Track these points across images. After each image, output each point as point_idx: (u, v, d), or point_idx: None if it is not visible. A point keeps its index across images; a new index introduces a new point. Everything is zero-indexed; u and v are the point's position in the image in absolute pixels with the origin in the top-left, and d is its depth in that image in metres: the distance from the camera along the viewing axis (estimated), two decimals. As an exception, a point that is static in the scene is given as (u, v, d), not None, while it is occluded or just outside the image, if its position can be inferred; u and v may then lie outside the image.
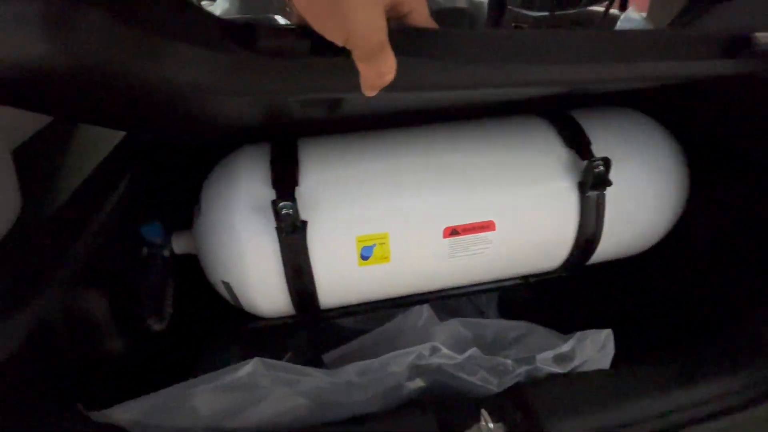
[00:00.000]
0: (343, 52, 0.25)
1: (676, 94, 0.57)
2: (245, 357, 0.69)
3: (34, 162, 0.42)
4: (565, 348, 0.48)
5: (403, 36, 0.28)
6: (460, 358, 0.47)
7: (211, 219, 0.47)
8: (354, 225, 0.47)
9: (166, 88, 0.26)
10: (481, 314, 0.77)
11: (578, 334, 0.49)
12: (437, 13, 1.15)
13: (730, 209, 0.58)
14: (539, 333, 0.53)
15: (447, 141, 0.51)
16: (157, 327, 0.52)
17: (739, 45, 0.32)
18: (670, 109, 0.58)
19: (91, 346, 0.45)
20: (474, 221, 0.49)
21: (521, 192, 0.50)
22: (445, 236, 0.49)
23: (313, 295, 0.49)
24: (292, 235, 0.44)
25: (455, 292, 0.63)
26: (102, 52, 0.22)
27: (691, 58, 0.33)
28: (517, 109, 0.56)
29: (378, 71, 0.25)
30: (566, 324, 0.66)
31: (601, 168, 0.48)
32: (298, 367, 0.45)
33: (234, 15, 1.13)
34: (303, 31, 0.27)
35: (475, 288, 0.63)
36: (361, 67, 0.25)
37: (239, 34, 0.26)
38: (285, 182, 0.45)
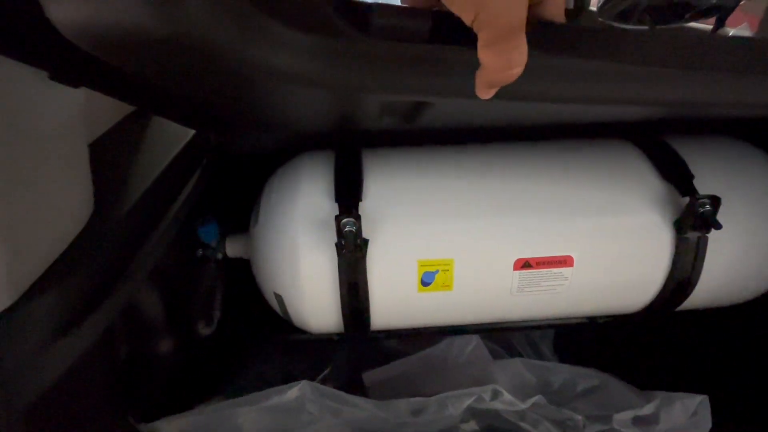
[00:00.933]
0: (469, 41, 0.22)
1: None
2: (285, 368, 0.68)
3: (106, 158, 0.42)
4: (647, 410, 0.42)
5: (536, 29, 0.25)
6: (523, 406, 0.42)
7: (268, 228, 0.45)
8: (417, 248, 0.43)
9: (263, 73, 0.23)
10: (535, 349, 0.71)
11: (662, 394, 0.43)
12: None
13: None
14: (615, 387, 0.47)
15: (525, 162, 0.47)
16: (205, 331, 0.51)
17: None
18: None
19: (145, 352, 0.44)
20: (550, 254, 0.44)
21: (606, 227, 0.44)
22: (515, 268, 0.44)
23: (366, 317, 0.46)
24: (352, 254, 0.41)
25: (513, 325, 0.58)
26: (205, 22, 0.20)
27: None
28: (605, 131, 0.51)
29: (507, 60, 0.21)
30: (637, 377, 0.59)
31: (708, 207, 0.42)
32: (347, 396, 0.42)
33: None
34: (423, 12, 0.24)
35: (536, 323, 0.58)
36: (485, 55, 0.21)
37: (350, 13, 0.23)
38: (349, 196, 0.43)
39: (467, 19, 0.20)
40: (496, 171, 0.46)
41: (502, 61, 0.21)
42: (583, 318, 0.57)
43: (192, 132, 0.46)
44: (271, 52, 0.22)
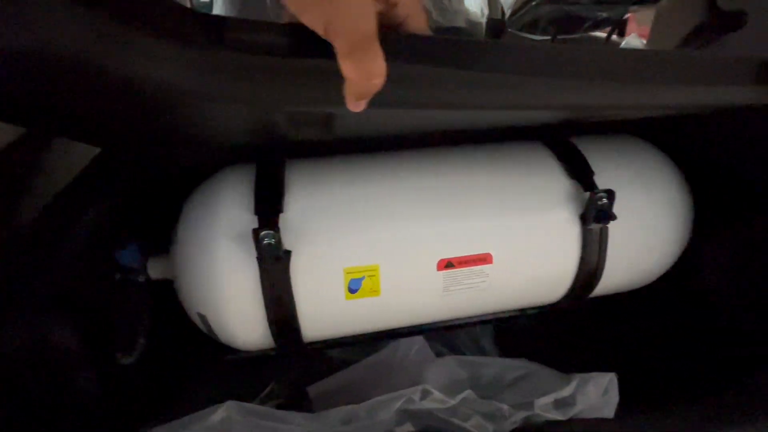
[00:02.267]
0: (330, 54, 0.22)
1: (680, 122, 0.55)
2: (227, 389, 0.65)
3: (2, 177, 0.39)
4: (565, 392, 0.45)
5: (401, 40, 0.25)
6: (452, 402, 0.43)
7: (187, 246, 0.44)
8: (342, 256, 0.44)
9: (131, 85, 0.23)
10: (477, 345, 0.74)
11: (579, 376, 0.46)
12: (434, 32, 1.14)
13: (739, 244, 0.55)
14: (540, 374, 0.49)
15: (443, 167, 0.49)
16: (126, 360, 0.48)
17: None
18: (675, 138, 0.56)
19: (57, 382, 0.41)
20: (470, 253, 0.46)
21: (521, 223, 0.47)
22: (439, 269, 0.46)
23: (295, 329, 0.45)
24: (274, 266, 0.41)
25: (450, 323, 0.59)
26: (63, 35, 0.19)
27: (723, 83, 0.30)
28: (517, 134, 0.54)
29: (365, 71, 0.21)
30: (567, 358, 0.63)
31: (605, 201, 0.46)
32: (277, 412, 0.41)
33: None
34: (284, 27, 0.24)
35: (472, 320, 0.60)
36: (345, 66, 0.22)
37: (209, 27, 0.23)
38: (268, 209, 0.42)
39: (319, 32, 0.20)
40: (417, 176, 0.48)
41: (360, 72, 0.21)
42: (513, 311, 0.60)
43: (96, 150, 0.43)
44: (137, 63, 0.21)
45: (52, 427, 0.39)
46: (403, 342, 0.70)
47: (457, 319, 0.57)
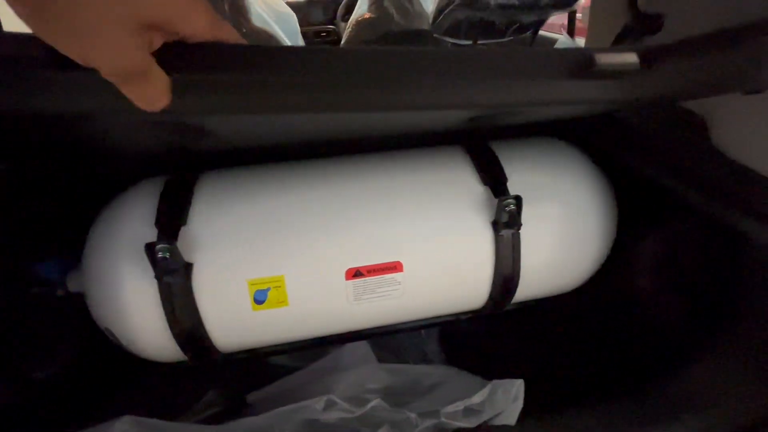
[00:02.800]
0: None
1: (603, 125, 0.55)
2: (164, 397, 0.65)
3: None
4: (476, 399, 0.45)
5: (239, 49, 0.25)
6: (358, 412, 0.43)
7: (92, 260, 0.44)
8: (245, 267, 0.44)
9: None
10: (421, 350, 0.74)
11: (492, 383, 0.46)
12: (398, 35, 1.14)
13: (660, 251, 0.55)
14: (457, 380, 0.49)
15: (354, 175, 0.48)
16: (41, 374, 0.48)
17: (586, 64, 0.29)
18: (599, 141, 0.56)
19: None
20: (379, 262, 0.46)
21: (429, 231, 0.47)
22: (347, 278, 0.45)
23: (204, 341, 0.45)
24: (174, 279, 0.41)
25: (384, 330, 0.59)
26: None
27: (544, 76, 0.29)
28: (438, 139, 0.54)
29: (140, 98, 0.21)
30: (505, 361, 0.63)
31: (513, 207, 0.46)
32: (173, 425, 0.41)
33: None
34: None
35: (409, 325, 0.60)
36: (121, 88, 0.21)
37: None
38: (169, 222, 0.42)
39: (79, 62, 0.20)
40: (326, 184, 0.47)
41: (138, 98, 0.21)
42: (448, 317, 0.59)
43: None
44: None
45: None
46: (347, 348, 0.70)
47: (377, 327, 0.57)
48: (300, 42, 1.35)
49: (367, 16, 1.25)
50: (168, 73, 0.22)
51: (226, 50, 0.24)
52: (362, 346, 0.72)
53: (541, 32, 0.79)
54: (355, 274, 0.46)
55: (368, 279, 0.46)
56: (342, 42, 1.36)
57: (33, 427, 0.46)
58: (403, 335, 0.73)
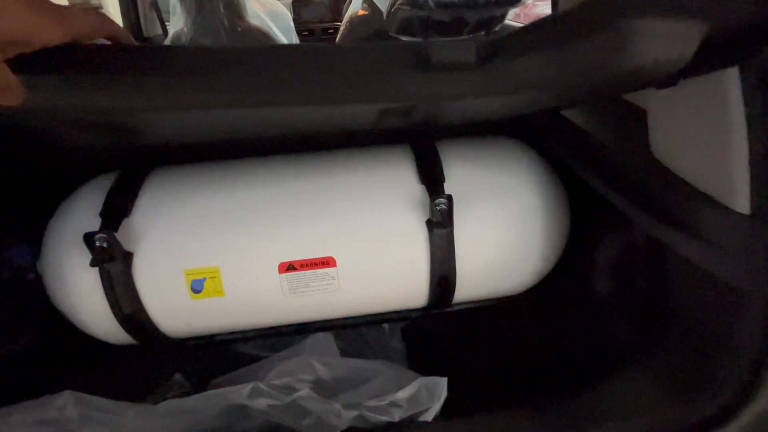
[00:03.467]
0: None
1: (553, 123, 0.54)
2: (131, 376, 0.69)
3: None
4: (400, 395, 0.46)
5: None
6: (285, 399, 0.45)
7: (47, 248, 0.47)
8: (182, 258, 0.46)
9: None
10: (384, 345, 0.75)
11: (418, 380, 0.47)
12: (378, 33, 1.14)
13: (607, 256, 0.54)
14: (390, 375, 0.50)
15: (294, 171, 0.50)
16: (9, 351, 0.53)
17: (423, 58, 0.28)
18: (548, 140, 0.55)
19: None
20: (312, 257, 0.47)
21: (363, 228, 0.48)
22: (281, 271, 0.47)
23: (148, 326, 0.48)
24: (113, 267, 0.44)
25: (330, 324, 0.61)
26: None
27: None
28: (390, 138, 0.54)
29: None
30: (455, 360, 0.63)
31: (443, 206, 0.46)
32: (115, 403, 0.44)
33: (186, 34, 1.16)
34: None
35: (356, 320, 0.61)
36: None
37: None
38: (112, 213, 0.45)
39: None
40: (263, 181, 0.49)
41: None
42: (395, 313, 0.60)
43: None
44: None
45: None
46: (311, 339, 0.72)
47: (336, 319, 0.58)
48: (294, 38, 1.37)
49: (360, 13, 1.26)
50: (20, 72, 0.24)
51: (79, 52, 0.26)
52: (324, 339, 0.74)
53: (510, 23, 0.76)
54: (288, 267, 0.47)
55: (301, 273, 0.47)
56: (337, 39, 1.38)
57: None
58: (367, 330, 0.75)
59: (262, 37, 1.21)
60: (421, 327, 0.75)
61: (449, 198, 0.46)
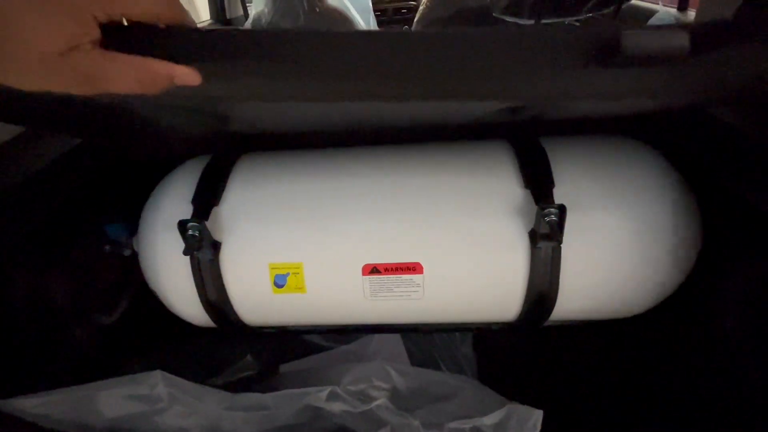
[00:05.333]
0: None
1: (692, 123, 0.44)
2: (207, 354, 0.72)
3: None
4: (486, 421, 0.41)
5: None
6: (361, 407, 0.43)
7: (143, 230, 0.49)
8: (267, 251, 0.45)
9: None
10: (453, 352, 0.71)
11: (508, 407, 0.42)
12: (475, 13, 1.05)
13: (751, 287, 0.44)
14: (471, 394, 0.46)
15: (385, 167, 0.46)
16: (106, 320, 0.57)
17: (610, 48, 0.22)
18: (684, 144, 0.46)
19: (45, 331, 0.50)
20: (397, 261, 0.44)
21: (455, 233, 0.43)
22: (364, 274, 0.44)
23: (229, 314, 0.48)
24: (202, 256, 0.44)
25: (406, 327, 0.58)
26: None
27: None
28: (484, 133, 0.49)
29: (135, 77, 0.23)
30: (532, 381, 0.58)
31: (554, 218, 0.40)
32: (198, 387, 0.45)
33: (266, 15, 1.16)
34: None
35: (433, 327, 0.58)
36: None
37: None
38: (203, 201, 0.45)
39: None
40: (354, 176, 0.46)
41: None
42: (478, 324, 0.56)
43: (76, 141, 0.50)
44: None
45: (48, 372, 0.47)
46: (378, 338, 0.71)
47: (413, 324, 0.55)
48: (372, 20, 1.32)
49: (443, -10, 1.17)
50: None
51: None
52: (393, 339, 0.71)
53: (638, 2, 0.64)
54: (372, 270, 0.44)
55: (385, 277, 0.44)
56: (415, 20, 1.31)
57: (86, 367, 0.54)
58: (438, 334, 0.71)
59: (339, 17, 1.18)
60: (492, 337, 0.70)
61: (562, 208, 0.40)
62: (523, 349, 0.67)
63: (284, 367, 0.70)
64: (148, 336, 0.63)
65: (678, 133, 0.47)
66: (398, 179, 0.45)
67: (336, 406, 0.43)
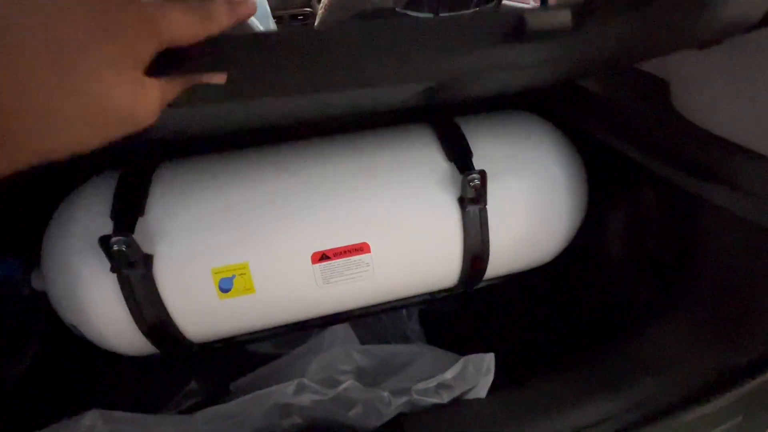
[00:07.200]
0: None
1: (568, 94, 0.54)
2: (145, 387, 0.65)
3: None
4: (447, 375, 0.45)
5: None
6: (330, 393, 0.44)
7: (49, 257, 0.43)
8: (208, 256, 0.43)
9: None
10: (402, 330, 0.74)
11: (463, 359, 0.46)
12: (373, 14, 1.11)
13: (627, 219, 0.55)
14: (428, 357, 0.50)
15: (316, 157, 0.47)
16: (16, 368, 0.48)
17: (518, 26, 0.27)
18: (564, 111, 0.55)
19: None
20: (345, 244, 0.45)
21: (395, 210, 0.46)
22: (314, 262, 0.45)
23: (173, 333, 0.45)
24: (133, 272, 0.40)
25: (359, 312, 0.59)
26: None
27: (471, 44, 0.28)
28: (403, 117, 0.53)
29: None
30: (482, 336, 0.64)
31: (477, 182, 0.45)
32: (144, 417, 0.41)
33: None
34: None
35: (384, 306, 0.60)
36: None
37: None
38: (125, 213, 0.41)
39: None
40: (285, 169, 0.46)
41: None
42: (424, 296, 0.60)
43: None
44: None
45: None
46: (328, 332, 0.71)
47: (365, 307, 0.57)
48: (271, 24, 1.30)
49: (340, -6, 1.21)
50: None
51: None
52: (343, 329, 0.72)
53: (508, 2, 0.76)
54: (321, 257, 0.45)
55: (335, 262, 0.46)
56: (316, 23, 1.33)
57: (5, 425, 0.46)
58: (384, 316, 0.74)
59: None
60: (437, 307, 0.75)
61: (482, 173, 0.45)
62: (462, 316, 0.73)
63: (235, 385, 0.67)
64: (70, 379, 0.54)
65: (558, 103, 0.56)
66: (331, 165, 0.47)
67: (305, 398, 0.43)
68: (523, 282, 0.62)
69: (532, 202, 0.50)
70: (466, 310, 0.73)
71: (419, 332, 0.74)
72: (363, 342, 0.73)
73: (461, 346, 0.53)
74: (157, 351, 0.48)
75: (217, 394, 0.66)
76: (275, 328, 0.55)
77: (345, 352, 0.49)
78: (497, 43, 0.27)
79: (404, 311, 0.74)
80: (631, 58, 0.37)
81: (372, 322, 0.74)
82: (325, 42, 0.28)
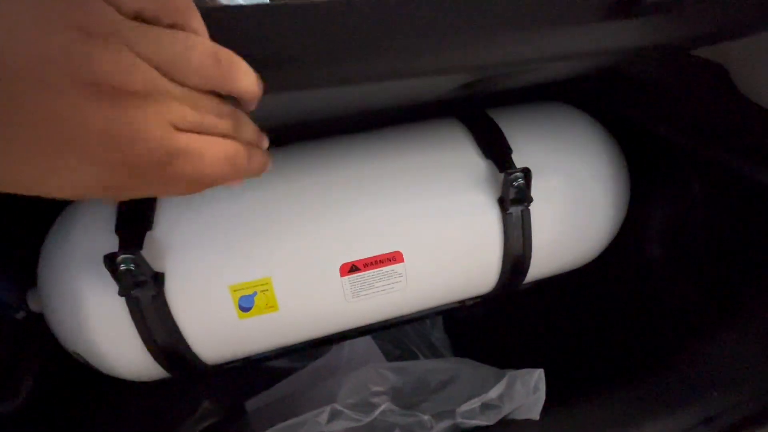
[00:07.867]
0: None
1: (609, 83, 0.50)
2: (155, 412, 0.61)
3: None
4: (492, 394, 0.41)
5: None
6: (366, 419, 0.39)
7: (47, 279, 0.38)
8: (226, 272, 0.38)
9: None
10: (427, 339, 0.70)
11: (508, 375, 0.42)
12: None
13: (673, 217, 0.51)
14: (467, 373, 0.46)
15: (341, 158, 0.43)
16: (7, 406, 0.43)
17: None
18: (606, 102, 0.51)
19: None
20: (376, 254, 0.41)
21: (430, 215, 0.42)
22: (343, 274, 0.41)
23: (188, 356, 0.40)
24: (143, 293, 0.36)
25: (387, 324, 0.55)
26: None
27: (570, 22, 0.24)
28: (430, 111, 0.48)
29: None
30: (514, 346, 0.60)
31: (521, 181, 0.41)
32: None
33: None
34: None
35: (413, 316, 0.56)
36: None
37: None
38: (131, 227, 0.37)
39: None
40: (309, 173, 0.42)
41: None
42: (452, 304, 0.55)
43: None
44: None
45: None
46: (349, 344, 0.66)
47: (394, 318, 0.52)
48: None
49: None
50: None
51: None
52: (364, 341, 0.68)
53: None
54: (351, 269, 0.41)
55: (365, 273, 0.41)
56: None
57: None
58: (411, 326, 0.70)
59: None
60: (464, 314, 0.71)
61: (527, 171, 0.41)
62: (489, 322, 0.69)
63: (251, 404, 0.62)
64: (73, 409, 0.50)
65: (595, 93, 0.52)
66: (359, 168, 0.43)
67: (339, 425, 0.39)
68: (556, 285, 0.58)
69: (575, 200, 0.46)
70: (493, 316, 0.69)
71: (444, 340, 0.70)
72: (386, 353, 0.69)
73: (493, 355, 0.49)
74: (167, 376, 0.43)
75: (233, 413, 0.62)
76: (295, 345, 0.51)
77: (375, 370, 0.45)
78: (601, 19, 0.22)
79: (428, 321, 0.70)
80: (734, 32, 0.32)
81: (395, 333, 0.70)
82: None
